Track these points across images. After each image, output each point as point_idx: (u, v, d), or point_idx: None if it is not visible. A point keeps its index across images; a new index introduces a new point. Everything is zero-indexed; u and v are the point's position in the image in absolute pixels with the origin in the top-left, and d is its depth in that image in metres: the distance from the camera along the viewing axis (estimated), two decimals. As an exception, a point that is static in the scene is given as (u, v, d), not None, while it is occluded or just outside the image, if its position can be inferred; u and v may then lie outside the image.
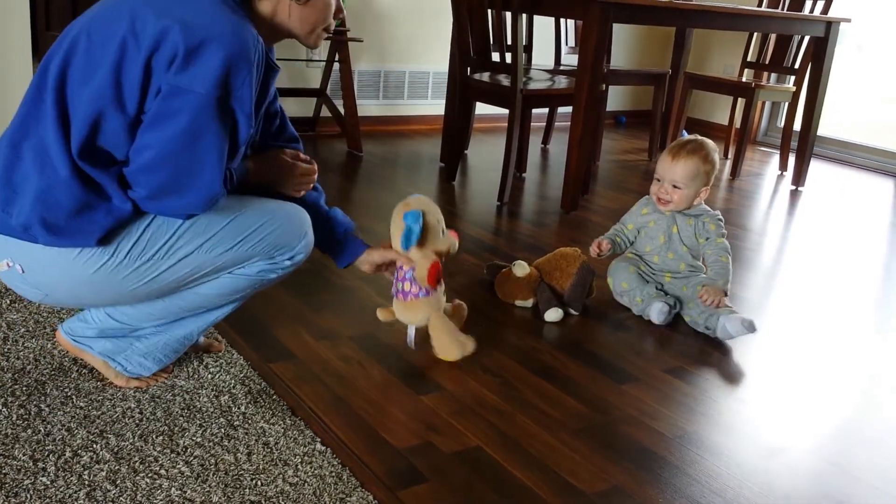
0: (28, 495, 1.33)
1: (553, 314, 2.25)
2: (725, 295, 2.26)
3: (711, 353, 2.17)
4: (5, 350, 1.80)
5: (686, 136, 2.45)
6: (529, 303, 2.34)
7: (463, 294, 2.40)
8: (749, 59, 4.75)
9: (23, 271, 1.49)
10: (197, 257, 1.53)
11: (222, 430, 1.58)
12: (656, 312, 2.24)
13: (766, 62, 4.62)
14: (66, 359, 1.78)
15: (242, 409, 1.66)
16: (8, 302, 2.02)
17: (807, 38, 4.28)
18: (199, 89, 1.36)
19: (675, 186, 2.31)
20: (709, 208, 2.39)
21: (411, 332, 1.93)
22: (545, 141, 4.85)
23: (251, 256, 1.59)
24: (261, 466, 1.47)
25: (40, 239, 1.43)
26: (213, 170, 1.43)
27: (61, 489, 1.36)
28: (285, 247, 1.62)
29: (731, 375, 2.07)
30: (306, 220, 1.66)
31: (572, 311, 2.31)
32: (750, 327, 2.15)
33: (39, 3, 3.86)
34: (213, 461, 1.47)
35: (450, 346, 1.88)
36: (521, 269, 2.35)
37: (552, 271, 2.37)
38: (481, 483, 1.50)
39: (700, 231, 2.35)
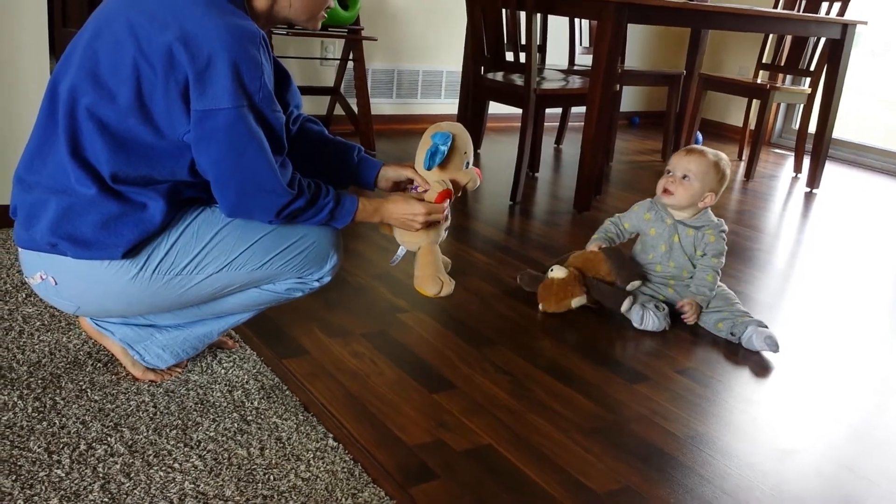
0: (43, 487, 1.34)
1: (634, 286, 2.27)
2: (702, 310, 2.28)
3: (724, 355, 2.17)
4: (21, 343, 1.81)
5: (701, 139, 2.45)
6: (584, 299, 2.28)
7: (473, 292, 2.40)
8: (764, 60, 4.73)
9: (55, 283, 1.51)
10: (226, 274, 1.54)
11: (235, 424, 1.59)
12: (652, 321, 2.22)
13: (782, 64, 4.60)
14: (81, 352, 1.80)
15: (255, 404, 1.67)
16: (23, 296, 2.03)
17: (822, 40, 4.26)
18: (224, 105, 1.36)
19: (684, 177, 2.28)
20: (713, 218, 2.35)
21: (400, 253, 1.82)
22: (558, 141, 4.85)
23: (280, 275, 1.60)
24: (273, 461, 1.48)
25: (69, 253, 1.45)
26: (269, 174, 1.43)
27: (76, 481, 1.37)
28: (314, 267, 1.62)
29: (744, 377, 2.06)
30: (335, 240, 1.64)
31: (635, 286, 2.29)
32: (773, 346, 2.15)
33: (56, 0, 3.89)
34: (226, 455, 1.48)
35: (431, 280, 1.75)
36: (560, 271, 2.30)
37: (587, 269, 2.33)
38: (492, 481, 1.51)
39: (699, 243, 2.31)
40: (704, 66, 4.88)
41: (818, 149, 4.22)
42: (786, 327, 2.38)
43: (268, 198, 1.47)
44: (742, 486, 1.57)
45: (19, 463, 1.40)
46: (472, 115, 3.84)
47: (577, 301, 2.28)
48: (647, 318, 2.22)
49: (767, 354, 2.18)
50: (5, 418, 1.52)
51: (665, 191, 2.31)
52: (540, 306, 2.32)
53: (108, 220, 1.43)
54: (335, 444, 1.55)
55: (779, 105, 5.52)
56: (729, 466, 1.63)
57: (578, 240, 2.99)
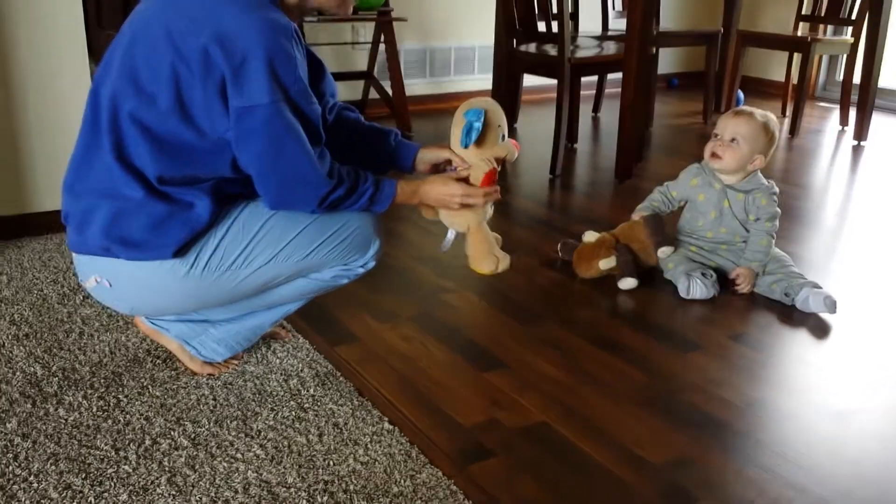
0: (112, 483, 1.39)
1: (627, 283, 2.26)
2: (758, 276, 2.26)
3: (777, 318, 2.14)
4: (81, 344, 1.87)
5: (742, 97, 2.40)
6: (613, 261, 2.28)
7: (517, 269, 2.40)
8: (803, 12, 4.61)
9: (110, 286, 1.55)
10: (273, 266, 1.57)
11: (293, 412, 1.62)
12: (699, 290, 2.20)
13: (822, 14, 4.48)
14: (140, 350, 1.85)
15: (311, 391, 1.70)
16: (81, 298, 2.09)
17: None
18: (261, 100, 1.38)
19: (732, 140, 2.24)
20: (763, 181, 2.30)
21: (450, 237, 1.79)
22: (596, 109, 4.79)
23: (326, 263, 1.62)
24: (332, 447, 1.51)
25: (121, 255, 1.48)
26: (308, 166, 1.46)
27: (143, 476, 1.41)
28: (358, 253, 1.64)
29: (799, 339, 2.04)
30: (377, 226, 1.66)
31: (667, 253, 2.30)
32: (832, 307, 2.12)
33: (90, 1, 3.93)
34: (286, 443, 1.52)
35: (485, 257, 1.74)
36: (591, 235, 2.36)
37: (628, 238, 2.34)
38: (548, 457, 1.52)
39: (750, 207, 2.28)
40: (742, 21, 4.77)
41: (864, 100, 4.11)
42: (839, 286, 2.34)
43: (308, 189, 1.49)
44: (801, 451, 1.56)
45: (88, 461, 1.45)
46: (506, 88, 3.82)
47: (605, 263, 2.28)
48: (693, 287, 2.20)
49: (823, 315, 2.14)
50: (72, 418, 1.58)
51: (713, 155, 2.27)
52: (577, 273, 2.34)
53: (158, 222, 1.46)
54: (391, 427, 1.58)
55: (821, 57, 5.38)
56: (785, 431, 1.62)
57: (620, 211, 2.96)
